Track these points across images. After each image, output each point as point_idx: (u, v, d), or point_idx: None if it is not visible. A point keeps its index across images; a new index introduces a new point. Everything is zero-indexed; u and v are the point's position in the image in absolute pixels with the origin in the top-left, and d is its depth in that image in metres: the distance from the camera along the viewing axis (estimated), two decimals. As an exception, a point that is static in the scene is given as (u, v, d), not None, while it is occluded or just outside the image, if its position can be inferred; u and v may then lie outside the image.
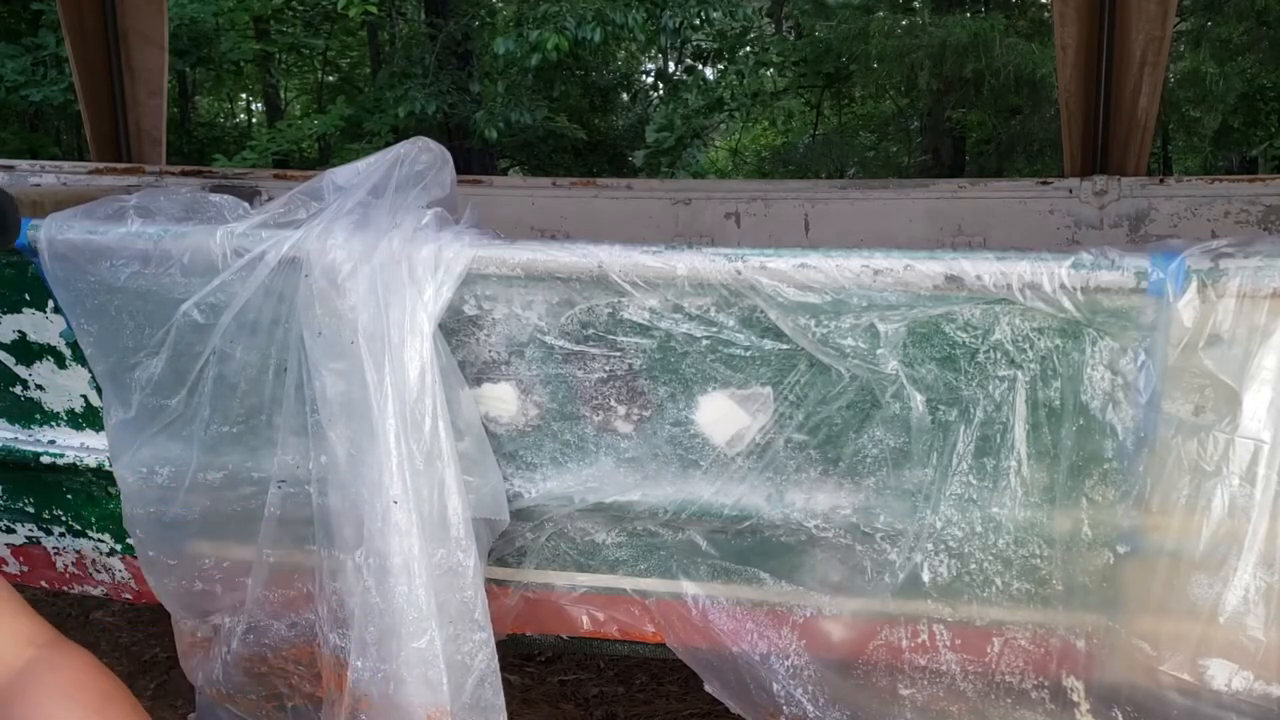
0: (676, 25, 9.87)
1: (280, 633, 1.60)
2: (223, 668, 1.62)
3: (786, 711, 1.53)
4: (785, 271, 1.26)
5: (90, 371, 1.59)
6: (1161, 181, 3.28)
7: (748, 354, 1.34)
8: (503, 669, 1.46)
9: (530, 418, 1.47)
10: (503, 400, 1.45)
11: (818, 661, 1.54)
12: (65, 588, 1.94)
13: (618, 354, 1.38)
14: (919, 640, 1.51)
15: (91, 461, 1.68)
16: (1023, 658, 1.49)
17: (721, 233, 3.47)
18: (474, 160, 10.11)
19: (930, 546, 1.43)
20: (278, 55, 13.33)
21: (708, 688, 1.61)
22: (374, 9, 9.54)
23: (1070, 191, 3.25)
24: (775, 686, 1.54)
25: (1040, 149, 10.86)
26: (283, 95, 14.98)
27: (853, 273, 1.24)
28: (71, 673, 1.12)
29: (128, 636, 2.76)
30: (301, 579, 1.55)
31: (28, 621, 1.15)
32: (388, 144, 1.60)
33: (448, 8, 10.75)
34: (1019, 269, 1.21)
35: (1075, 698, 1.51)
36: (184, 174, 3.70)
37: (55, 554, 1.88)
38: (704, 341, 1.34)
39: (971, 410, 1.32)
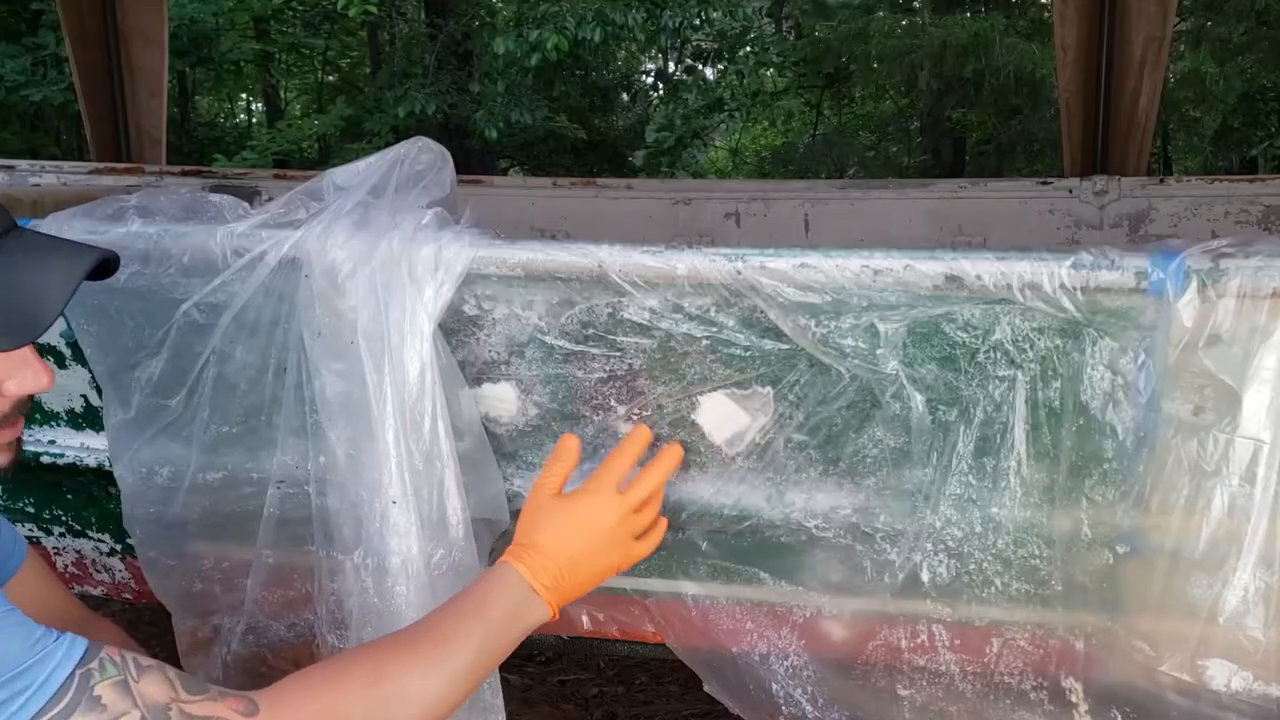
0: (676, 25, 9.87)
1: (279, 633, 1.60)
2: (223, 668, 1.62)
3: (786, 711, 1.53)
4: (785, 271, 1.26)
5: (90, 371, 1.59)
6: (1161, 181, 3.29)
7: (748, 354, 1.34)
8: (502, 669, 1.46)
9: (530, 417, 1.47)
10: (503, 400, 1.45)
11: (817, 661, 1.54)
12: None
13: (618, 354, 1.38)
14: (918, 640, 1.51)
15: (91, 461, 1.68)
16: (1022, 658, 1.49)
17: (721, 233, 3.48)
18: (474, 160, 10.11)
19: (929, 546, 1.43)
20: (278, 55, 13.34)
21: (707, 688, 1.61)
22: (374, 9, 9.53)
23: (1070, 191, 3.25)
24: (774, 687, 1.54)
25: (1040, 149, 10.87)
26: (283, 95, 14.98)
27: (853, 273, 1.24)
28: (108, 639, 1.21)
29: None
30: (300, 580, 1.55)
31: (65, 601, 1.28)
32: (388, 144, 1.60)
33: (448, 8, 10.75)
34: (1019, 269, 1.21)
35: (1074, 699, 1.52)
36: (184, 174, 3.70)
37: (55, 554, 1.88)
38: (704, 341, 1.34)
39: (971, 410, 1.32)
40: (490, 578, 1.25)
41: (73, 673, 0.97)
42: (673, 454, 1.36)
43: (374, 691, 1.11)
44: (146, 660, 1.04)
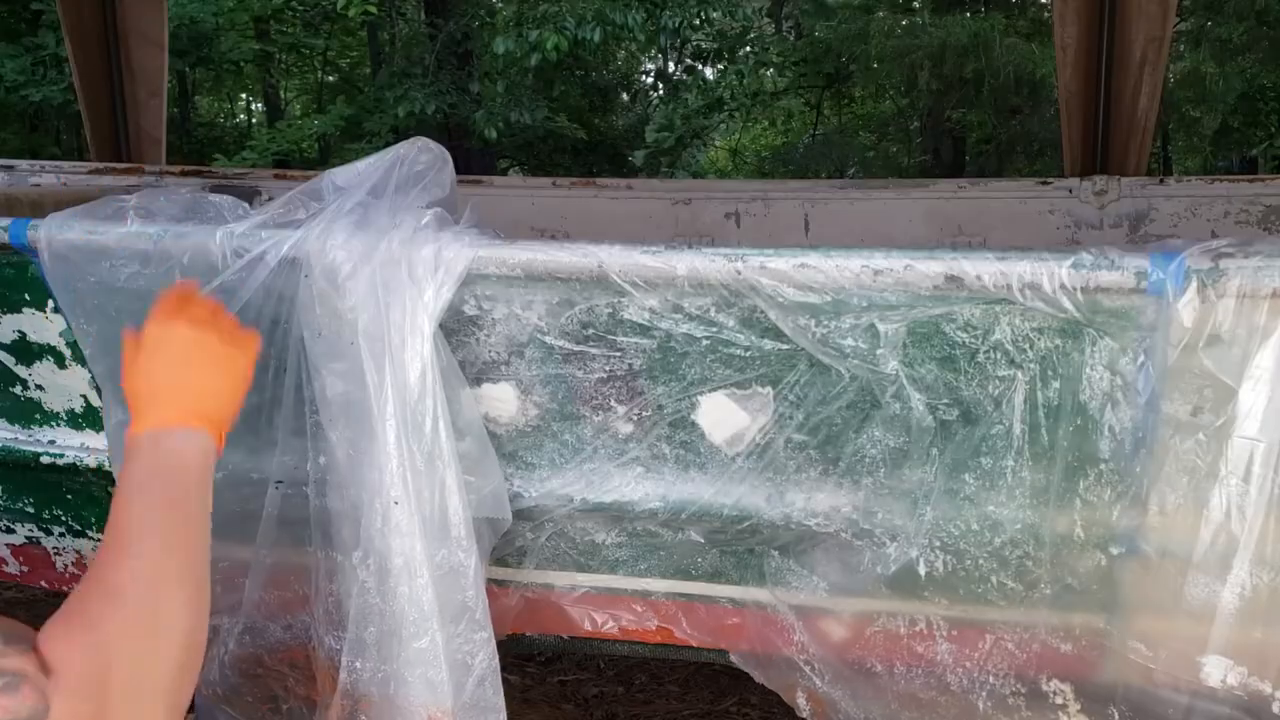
0: (676, 25, 9.87)
1: (276, 635, 1.60)
2: (220, 669, 1.62)
3: (802, 684, 1.53)
4: (785, 271, 1.26)
5: (90, 371, 1.59)
6: (1161, 181, 3.28)
7: (748, 354, 1.34)
8: (503, 669, 1.47)
9: (530, 418, 1.46)
10: (503, 400, 1.45)
11: (821, 650, 1.54)
12: (65, 588, 1.94)
13: (618, 354, 1.38)
14: (915, 635, 1.51)
15: (91, 461, 1.68)
16: (1018, 657, 1.49)
17: (721, 233, 3.47)
18: (474, 160, 10.10)
19: (927, 545, 1.43)
20: (278, 55, 13.34)
21: (732, 658, 1.61)
22: (374, 9, 9.54)
23: (1070, 191, 3.24)
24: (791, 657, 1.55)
25: (1040, 149, 10.87)
26: (283, 95, 14.99)
27: (853, 273, 1.24)
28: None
29: (128, 636, 2.75)
30: (298, 581, 1.55)
31: None
32: (388, 144, 1.60)
33: (448, 8, 10.74)
34: (1019, 269, 1.21)
35: (1070, 698, 1.52)
36: (184, 174, 3.70)
37: (55, 554, 1.88)
38: (704, 341, 1.34)
39: (972, 410, 1.32)
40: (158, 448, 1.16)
41: None
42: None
43: (138, 624, 1.04)
44: None
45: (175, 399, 1.17)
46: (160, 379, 1.19)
